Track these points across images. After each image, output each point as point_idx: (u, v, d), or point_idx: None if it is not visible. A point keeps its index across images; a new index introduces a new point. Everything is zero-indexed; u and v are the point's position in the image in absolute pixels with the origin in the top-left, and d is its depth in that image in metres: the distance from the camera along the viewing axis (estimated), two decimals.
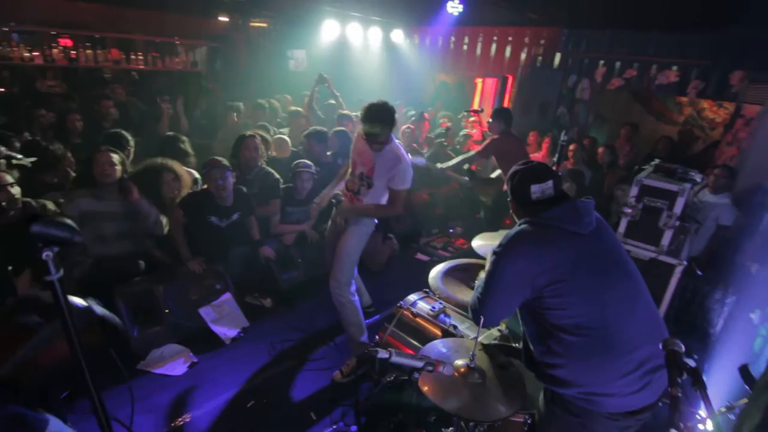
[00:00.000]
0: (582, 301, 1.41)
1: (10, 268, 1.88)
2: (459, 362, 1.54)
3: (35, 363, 1.06)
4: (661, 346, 1.25)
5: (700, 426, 2.21)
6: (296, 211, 3.77)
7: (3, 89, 5.96)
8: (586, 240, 1.45)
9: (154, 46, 7.48)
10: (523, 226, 1.51)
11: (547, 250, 1.44)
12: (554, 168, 2.93)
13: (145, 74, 7.46)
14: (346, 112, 4.96)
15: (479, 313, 1.53)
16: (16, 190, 2.56)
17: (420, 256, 4.64)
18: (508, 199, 1.66)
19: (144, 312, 2.76)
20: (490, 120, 4.18)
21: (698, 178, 2.83)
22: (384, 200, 2.76)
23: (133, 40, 7.24)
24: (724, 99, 5.22)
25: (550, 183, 1.51)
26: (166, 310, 2.81)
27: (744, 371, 2.36)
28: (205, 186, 3.18)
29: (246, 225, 3.39)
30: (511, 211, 1.68)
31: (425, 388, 1.43)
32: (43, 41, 6.44)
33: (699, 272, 3.12)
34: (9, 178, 2.51)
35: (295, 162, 3.76)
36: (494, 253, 1.51)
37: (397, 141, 2.72)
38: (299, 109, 5.33)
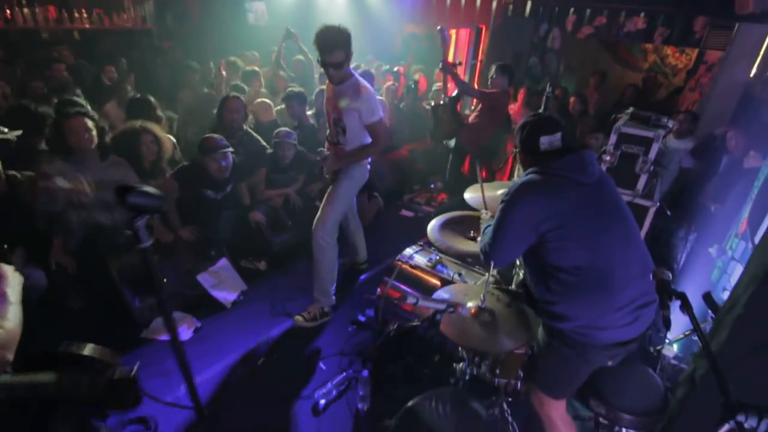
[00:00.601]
0: (581, 245, 1.54)
1: (5, 246, 1.81)
2: (470, 303, 1.66)
3: None
4: (651, 277, 1.42)
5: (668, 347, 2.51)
6: (281, 177, 3.75)
7: None
8: (589, 188, 1.56)
9: (97, 2, 6.83)
10: (531, 175, 1.60)
11: (553, 198, 1.54)
12: None
13: (89, 34, 6.84)
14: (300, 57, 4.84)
15: (489, 256, 1.64)
16: None
17: (404, 212, 4.75)
18: (516, 150, 1.74)
19: (145, 282, 2.74)
20: (494, 75, 4.10)
21: (670, 124, 3.00)
22: (366, 140, 2.71)
23: None
24: (688, 45, 5.40)
25: (558, 135, 1.60)
26: (165, 279, 2.80)
27: (708, 298, 2.63)
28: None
29: (237, 192, 3.35)
30: (519, 161, 1.78)
31: (446, 330, 1.55)
32: None
33: (668, 212, 3.36)
34: None
35: (275, 131, 3.68)
36: (503, 201, 1.60)
37: (360, 79, 2.59)
38: (255, 68, 5.11)
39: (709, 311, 2.55)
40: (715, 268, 3.33)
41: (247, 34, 7.50)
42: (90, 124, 2.66)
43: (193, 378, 1.20)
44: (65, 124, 2.61)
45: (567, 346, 1.62)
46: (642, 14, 5.33)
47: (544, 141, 1.60)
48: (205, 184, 3.11)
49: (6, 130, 2.22)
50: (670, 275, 1.43)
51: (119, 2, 7.08)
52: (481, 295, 1.64)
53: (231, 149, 3.10)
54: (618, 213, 1.62)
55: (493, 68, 4.15)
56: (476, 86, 5.84)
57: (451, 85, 4.13)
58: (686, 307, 1.39)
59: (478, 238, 2.28)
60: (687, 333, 2.69)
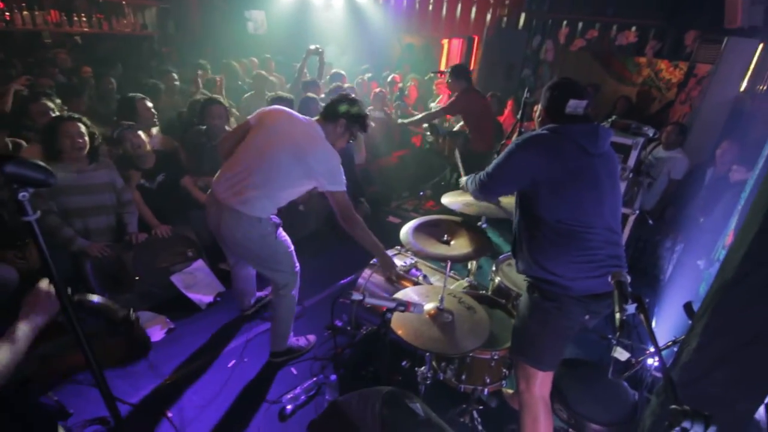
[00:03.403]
0: (569, 204, 1.64)
1: None
2: (429, 305, 1.63)
3: (58, 362, 1.08)
4: (609, 279, 1.39)
5: (650, 360, 2.45)
6: None
7: None
8: (593, 159, 1.65)
9: (97, 7, 6.93)
10: (542, 131, 1.69)
11: (552, 157, 1.63)
12: (518, 126, 3.02)
13: (90, 38, 6.93)
14: (308, 78, 4.85)
15: (485, 186, 1.81)
16: None
17: (391, 218, 4.72)
18: (541, 105, 1.80)
19: (113, 279, 2.72)
20: (450, 80, 4.17)
21: (650, 132, 2.99)
22: None
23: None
24: (679, 59, 5.43)
25: (584, 102, 1.68)
26: (137, 278, 2.77)
27: (687, 307, 2.59)
28: None
29: (177, 185, 3.35)
30: (535, 117, 1.86)
31: (398, 330, 1.51)
32: None
33: (650, 221, 3.33)
34: None
35: None
36: (511, 144, 1.72)
37: None
38: (263, 72, 5.15)
39: (690, 321, 2.51)
40: (703, 281, 3.28)
41: (247, 43, 7.59)
42: (83, 129, 2.67)
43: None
44: (60, 128, 2.60)
45: (547, 299, 1.69)
46: (633, 28, 5.37)
47: (572, 104, 1.66)
48: (135, 167, 3.13)
49: None
50: (629, 278, 1.40)
51: (119, 8, 7.19)
52: (440, 296, 1.60)
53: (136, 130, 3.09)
54: (612, 190, 1.71)
55: (448, 72, 4.23)
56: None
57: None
58: (642, 310, 1.36)
59: (451, 242, 2.26)
60: (669, 344, 2.65)
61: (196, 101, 3.75)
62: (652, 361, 2.56)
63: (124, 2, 7.14)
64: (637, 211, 2.90)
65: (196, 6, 7.96)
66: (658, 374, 2.57)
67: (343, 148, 3.95)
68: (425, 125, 4.57)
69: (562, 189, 1.63)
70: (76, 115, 2.71)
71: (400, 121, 4.66)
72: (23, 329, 1.12)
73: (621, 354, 1.56)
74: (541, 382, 1.78)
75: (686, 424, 1.07)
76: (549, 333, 1.73)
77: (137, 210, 3.01)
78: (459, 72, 4.16)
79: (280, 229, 2.37)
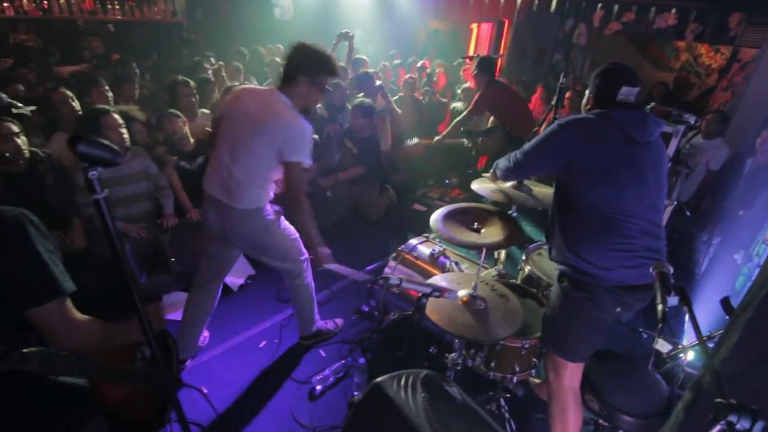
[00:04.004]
0: (608, 191, 1.58)
1: None
2: (462, 292, 1.63)
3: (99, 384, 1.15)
4: (651, 269, 1.36)
5: (681, 355, 2.40)
6: None
7: None
8: (638, 147, 1.59)
9: None
10: (588, 115, 1.65)
11: (597, 138, 1.59)
12: (552, 113, 2.94)
13: (122, 26, 7.09)
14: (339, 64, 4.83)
15: (519, 163, 1.77)
16: (22, 140, 2.48)
17: (417, 206, 4.71)
18: (589, 92, 1.75)
19: (150, 260, 2.84)
20: (475, 73, 4.08)
21: (692, 120, 2.86)
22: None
23: None
24: (722, 43, 5.16)
25: (636, 90, 1.63)
26: (173, 259, 2.88)
27: (725, 302, 2.52)
28: None
29: None
30: (583, 105, 1.81)
31: (432, 315, 1.53)
32: None
33: (688, 213, 3.22)
34: (14, 128, 2.40)
35: None
36: (555, 123, 1.67)
37: None
38: (277, 59, 5.17)
39: (727, 317, 2.44)
40: (740, 275, 3.17)
41: (273, 29, 7.61)
42: (120, 120, 2.76)
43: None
44: (104, 121, 2.68)
45: (577, 288, 1.65)
46: (673, 10, 5.12)
47: (624, 91, 1.61)
48: (177, 153, 3.19)
49: (21, 105, 2.30)
50: (671, 269, 1.37)
51: None
52: (473, 284, 1.60)
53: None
54: (656, 182, 1.65)
55: (475, 65, 4.11)
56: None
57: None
58: (685, 301, 1.33)
59: (482, 230, 2.24)
60: (704, 338, 2.58)
61: (231, 87, 3.79)
62: (684, 356, 2.51)
63: None
64: (675, 202, 2.80)
65: None
66: (691, 370, 2.52)
67: (369, 135, 3.99)
68: (461, 131, 4.50)
69: (601, 174, 1.59)
70: (112, 108, 2.81)
71: (436, 139, 4.62)
72: (124, 331, 1.20)
73: (663, 345, 1.54)
74: (571, 373, 1.77)
75: (732, 418, 1.05)
76: (579, 324, 1.70)
77: (173, 194, 3.11)
78: (481, 66, 4.05)
79: (282, 218, 2.29)
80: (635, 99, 1.65)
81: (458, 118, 4.44)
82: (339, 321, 2.83)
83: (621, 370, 1.86)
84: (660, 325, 1.25)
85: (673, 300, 1.32)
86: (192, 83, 3.59)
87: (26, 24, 6.35)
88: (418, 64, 6.10)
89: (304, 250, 2.35)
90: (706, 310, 2.89)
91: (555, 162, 1.67)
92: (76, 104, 3.00)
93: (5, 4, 5.82)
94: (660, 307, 1.26)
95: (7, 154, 2.32)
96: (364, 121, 3.89)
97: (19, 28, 6.36)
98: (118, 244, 0.89)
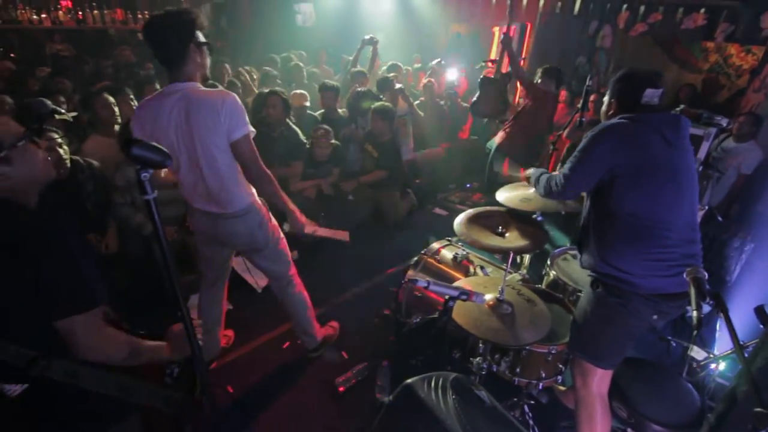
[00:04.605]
0: (646, 197, 1.57)
1: None
2: (489, 295, 1.63)
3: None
4: (685, 275, 1.34)
5: (712, 365, 2.33)
6: (317, 171, 3.86)
7: (13, 54, 5.94)
8: (672, 149, 1.59)
9: (157, 5, 7.30)
10: (620, 120, 1.63)
11: (635, 144, 1.58)
12: (578, 116, 2.90)
13: None
14: (360, 68, 4.89)
15: (566, 184, 1.71)
16: (64, 150, 2.56)
17: (438, 210, 4.71)
18: (607, 98, 1.76)
19: (178, 261, 2.91)
20: (540, 79, 3.90)
21: (724, 122, 2.79)
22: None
23: None
24: (754, 42, 4.99)
25: (660, 92, 1.63)
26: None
27: (760, 311, 2.43)
28: None
29: None
30: (603, 111, 1.80)
31: (458, 318, 1.53)
32: (48, 2, 6.34)
33: (719, 218, 3.13)
34: (57, 137, 2.47)
35: (314, 128, 3.82)
36: (586, 138, 1.66)
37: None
38: (299, 63, 5.33)
39: (762, 326, 2.36)
40: None
41: (295, 35, 7.74)
42: None
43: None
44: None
45: (611, 294, 1.63)
46: (702, 10, 4.98)
47: (648, 94, 1.62)
48: None
49: (63, 110, 2.40)
50: (706, 274, 1.34)
51: (178, 4, 7.52)
52: (500, 288, 1.60)
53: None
54: (689, 184, 1.64)
55: (539, 72, 3.94)
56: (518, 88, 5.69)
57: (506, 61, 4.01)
58: (721, 307, 1.31)
59: (506, 234, 2.23)
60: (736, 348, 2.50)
61: (261, 94, 3.89)
62: (715, 367, 2.43)
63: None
64: (707, 207, 2.73)
65: (248, 1, 8.20)
66: (722, 380, 2.43)
67: (389, 138, 4.01)
68: (480, 79, 4.34)
69: (641, 180, 1.57)
70: None
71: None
72: (152, 350, 1.23)
73: (698, 353, 1.50)
74: (600, 380, 1.74)
75: None
76: (612, 330, 1.67)
77: None
78: (551, 73, 3.87)
79: (270, 214, 2.22)
80: (659, 101, 1.64)
81: (519, 66, 4.08)
82: (334, 324, 2.84)
83: (651, 377, 1.82)
84: (695, 332, 1.22)
85: (705, 307, 1.29)
86: None
87: (61, 34, 6.64)
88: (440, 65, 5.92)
89: (289, 252, 2.33)
90: (738, 319, 2.78)
91: (599, 172, 1.63)
92: (117, 109, 3.15)
93: (43, 16, 6.10)
94: (695, 313, 1.24)
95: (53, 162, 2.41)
96: (383, 124, 3.92)
97: (55, 38, 6.67)
98: (165, 242, 0.93)
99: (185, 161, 1.84)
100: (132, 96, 3.56)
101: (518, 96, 5.16)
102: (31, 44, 6.50)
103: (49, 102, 1.77)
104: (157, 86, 3.68)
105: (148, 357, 1.24)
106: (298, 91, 4.40)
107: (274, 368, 2.56)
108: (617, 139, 1.60)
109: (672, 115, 1.62)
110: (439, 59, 4.77)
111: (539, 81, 3.91)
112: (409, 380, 1.16)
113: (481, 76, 4.30)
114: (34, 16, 6.03)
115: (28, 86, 4.20)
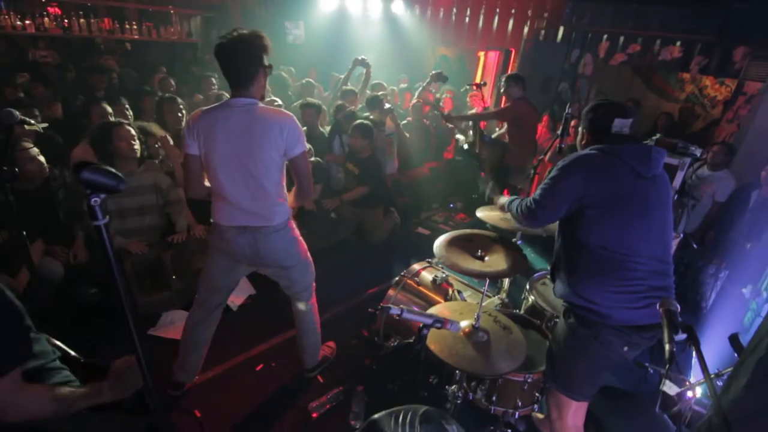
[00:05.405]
0: (615, 229, 1.56)
1: (25, 233, 1.90)
2: (464, 323, 1.60)
3: None
4: (658, 307, 1.33)
5: (689, 393, 2.33)
6: None
7: None
8: (644, 182, 1.58)
9: (147, 16, 7.28)
10: (590, 151, 1.63)
11: (605, 176, 1.57)
12: (558, 141, 2.95)
13: (138, 45, 7.28)
14: (350, 87, 4.92)
15: (535, 213, 1.70)
16: (42, 159, 2.56)
17: (421, 229, 4.70)
18: (581, 128, 1.77)
19: (150, 277, 2.83)
20: (505, 86, 4.10)
21: (698, 152, 2.86)
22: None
23: (126, 8, 7.05)
24: (727, 75, 5.20)
25: (629, 121, 1.64)
26: (174, 277, 2.86)
27: (734, 340, 2.45)
28: None
29: None
30: (578, 141, 1.81)
31: (432, 346, 1.50)
32: (34, 8, 6.26)
33: (694, 245, 3.18)
34: (35, 149, 2.49)
35: None
36: (557, 167, 1.65)
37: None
38: (311, 80, 5.37)
39: (736, 355, 2.37)
40: (748, 310, 3.11)
41: (285, 52, 7.78)
42: (134, 132, 2.82)
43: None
44: (116, 132, 2.74)
45: (582, 325, 1.62)
46: (678, 43, 5.19)
47: (618, 123, 1.63)
48: None
49: (33, 121, 2.34)
50: (679, 306, 1.34)
51: (167, 17, 7.53)
52: (475, 314, 1.57)
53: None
54: (661, 216, 1.63)
55: (503, 80, 4.13)
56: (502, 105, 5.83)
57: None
58: (693, 340, 1.30)
59: (486, 258, 2.22)
60: (712, 376, 2.50)
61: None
62: (692, 395, 2.43)
63: (172, 11, 7.48)
64: (682, 235, 2.77)
65: (238, 15, 8.24)
66: (699, 408, 2.43)
67: (369, 155, 4.02)
68: (470, 123, 4.53)
69: (610, 212, 1.56)
70: (126, 120, 2.86)
71: (446, 112, 4.68)
72: (86, 397, 1.16)
73: (670, 388, 1.49)
74: (575, 412, 1.72)
75: None
76: (584, 362, 1.65)
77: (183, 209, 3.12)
78: (516, 79, 4.09)
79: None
80: (630, 130, 1.66)
81: (482, 113, 4.42)
82: (332, 344, 2.78)
83: (627, 409, 1.80)
84: (667, 366, 1.21)
85: (680, 336, 1.28)
86: (179, 100, 3.70)
87: (46, 41, 6.54)
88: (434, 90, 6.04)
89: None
90: (714, 346, 2.82)
91: (567, 202, 1.63)
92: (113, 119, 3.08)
93: (27, 22, 6.01)
94: (667, 347, 1.23)
95: (32, 172, 2.42)
96: (362, 141, 3.91)
97: (39, 44, 6.56)
98: (117, 271, 0.87)
99: (235, 172, 1.88)
100: (127, 105, 3.55)
101: (497, 127, 5.30)
102: (14, 50, 6.39)
103: (17, 112, 1.70)
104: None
105: (84, 404, 1.16)
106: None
107: (245, 392, 2.46)
108: (586, 170, 1.60)
109: (643, 146, 1.62)
110: (440, 71, 4.85)
111: (504, 87, 4.13)
112: (375, 415, 1.12)
113: (464, 147, 4.43)
114: (18, 22, 5.93)
115: (4, 95, 4.09)
